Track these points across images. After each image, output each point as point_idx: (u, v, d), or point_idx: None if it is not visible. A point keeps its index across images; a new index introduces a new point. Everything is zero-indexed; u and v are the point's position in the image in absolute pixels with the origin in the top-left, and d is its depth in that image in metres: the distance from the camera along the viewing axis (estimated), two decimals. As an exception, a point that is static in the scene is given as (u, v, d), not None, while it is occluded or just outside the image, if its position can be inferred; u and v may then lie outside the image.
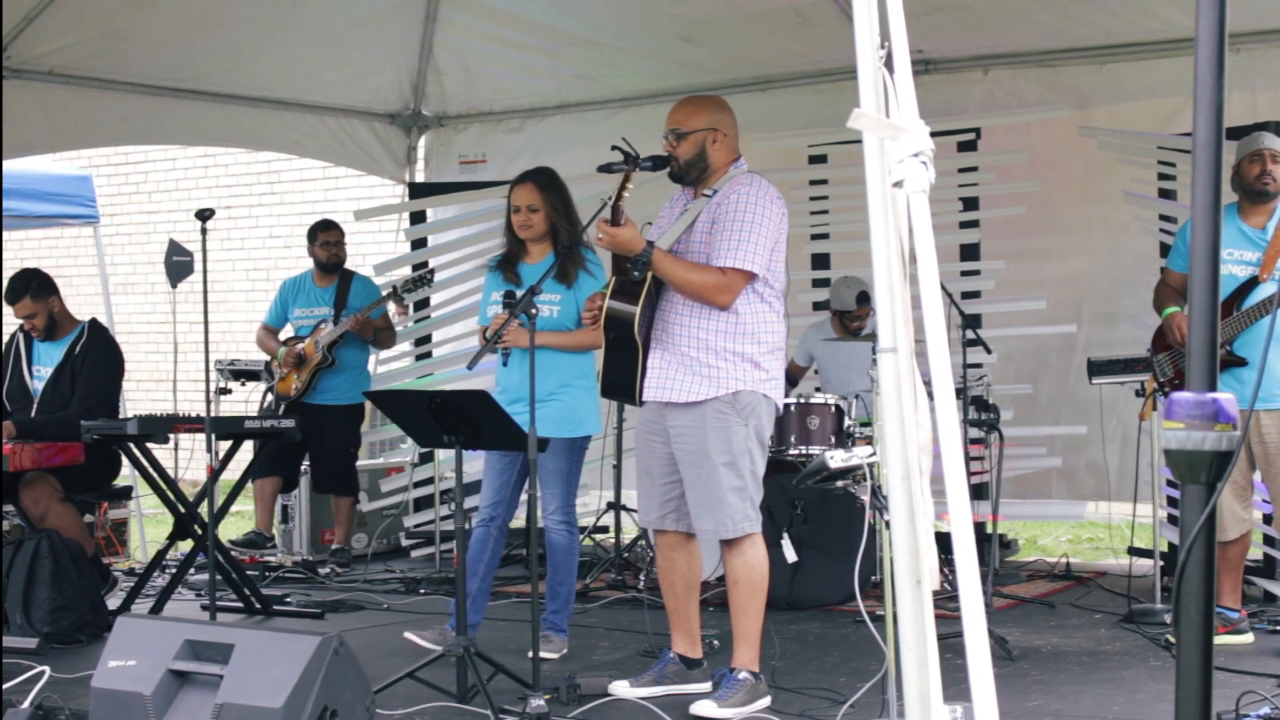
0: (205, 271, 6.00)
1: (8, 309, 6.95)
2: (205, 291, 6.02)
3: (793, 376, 7.70)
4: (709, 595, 6.20)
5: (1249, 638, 5.70)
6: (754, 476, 4.83)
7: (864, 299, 7.51)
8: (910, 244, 2.49)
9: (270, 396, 8.15)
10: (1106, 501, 9.18)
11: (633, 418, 7.41)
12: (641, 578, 7.02)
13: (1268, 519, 6.52)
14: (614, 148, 4.84)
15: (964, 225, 7.80)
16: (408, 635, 5.62)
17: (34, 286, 6.84)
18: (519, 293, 5.39)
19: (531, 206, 5.61)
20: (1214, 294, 2.24)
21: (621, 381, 4.93)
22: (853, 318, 7.59)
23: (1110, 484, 7.68)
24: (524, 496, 5.39)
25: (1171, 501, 6.93)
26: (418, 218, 8.97)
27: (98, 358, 6.82)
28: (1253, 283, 5.65)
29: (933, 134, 2.51)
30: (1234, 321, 5.60)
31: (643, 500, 5.10)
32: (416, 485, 8.58)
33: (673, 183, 5.04)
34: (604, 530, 8.03)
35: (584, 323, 5.28)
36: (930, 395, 2.49)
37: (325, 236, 8.19)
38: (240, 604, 6.62)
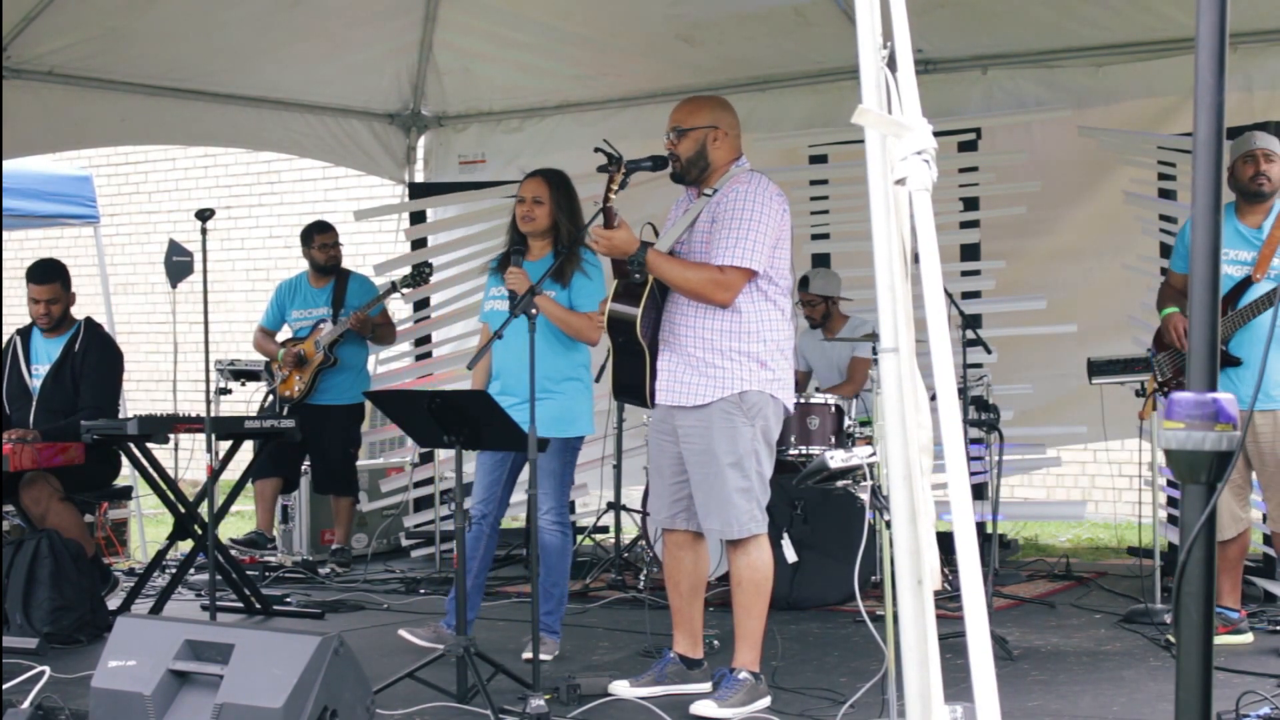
0: (205, 271, 6.00)
1: (8, 304, 6.97)
2: (205, 291, 6.02)
3: (797, 383, 7.69)
4: (710, 595, 6.20)
5: (1249, 638, 5.70)
6: (760, 477, 4.83)
7: (803, 283, 7.49)
8: (912, 243, 2.49)
9: (272, 398, 8.15)
10: (1107, 501, 9.17)
11: (633, 418, 7.45)
12: (641, 578, 7.02)
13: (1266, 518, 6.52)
14: (596, 149, 4.85)
15: (964, 225, 7.80)
16: (402, 633, 5.63)
17: (65, 277, 6.96)
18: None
19: (537, 199, 5.60)
20: (1214, 294, 2.24)
21: (632, 384, 4.93)
22: (801, 303, 7.55)
23: (1110, 483, 7.68)
24: (522, 496, 5.39)
25: (1171, 501, 6.93)
26: (418, 218, 8.97)
27: (99, 358, 6.84)
28: (1247, 283, 5.64)
29: (933, 134, 2.50)
30: (1228, 321, 5.59)
31: (653, 499, 5.15)
32: (416, 485, 8.58)
33: (675, 183, 5.04)
34: (604, 530, 8.03)
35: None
36: (931, 395, 2.49)
37: (322, 239, 8.17)
38: (240, 604, 6.62)
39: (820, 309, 7.65)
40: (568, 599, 5.81)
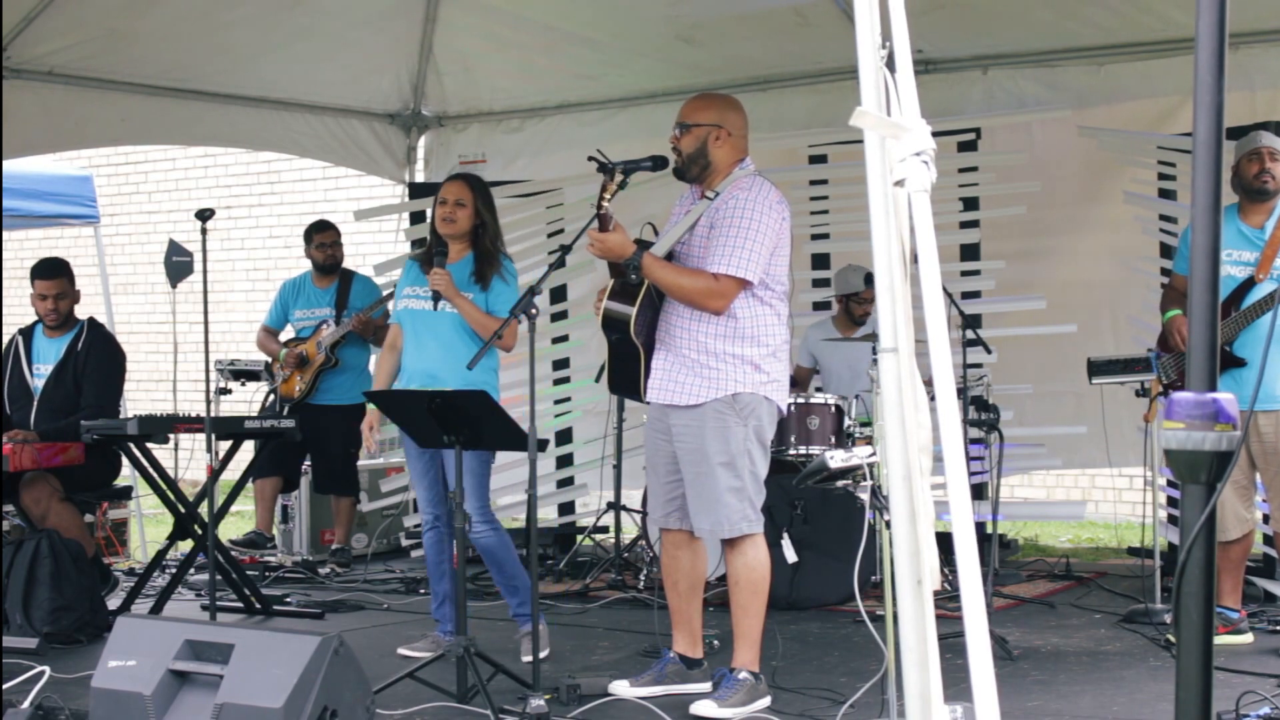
0: (205, 271, 6.00)
1: (9, 304, 6.97)
2: (205, 291, 6.02)
3: (799, 380, 7.69)
4: (709, 595, 6.20)
5: (1249, 638, 5.70)
6: (753, 477, 4.83)
7: (871, 280, 7.53)
8: (912, 243, 2.49)
9: (273, 398, 8.15)
10: (1107, 502, 9.16)
11: (633, 418, 7.45)
12: (641, 578, 7.02)
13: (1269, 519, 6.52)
14: (590, 158, 4.86)
15: (964, 225, 7.79)
16: (401, 651, 5.64)
17: (70, 273, 7.01)
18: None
19: (459, 201, 5.64)
20: (1214, 294, 2.24)
21: (627, 379, 4.95)
22: (860, 301, 7.60)
23: (1110, 483, 7.67)
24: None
25: (1171, 501, 6.93)
26: (418, 218, 8.96)
27: (101, 358, 6.85)
28: (1250, 283, 5.64)
29: (933, 134, 2.50)
30: (1232, 322, 5.59)
31: (650, 498, 5.16)
32: (417, 485, 8.56)
33: (677, 179, 5.04)
34: (604, 530, 8.03)
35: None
36: (931, 395, 2.49)
37: (321, 238, 8.19)
38: (240, 604, 6.62)
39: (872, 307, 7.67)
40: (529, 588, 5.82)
